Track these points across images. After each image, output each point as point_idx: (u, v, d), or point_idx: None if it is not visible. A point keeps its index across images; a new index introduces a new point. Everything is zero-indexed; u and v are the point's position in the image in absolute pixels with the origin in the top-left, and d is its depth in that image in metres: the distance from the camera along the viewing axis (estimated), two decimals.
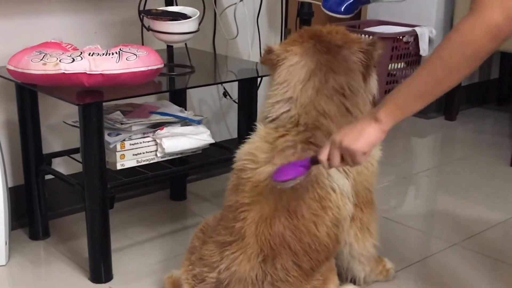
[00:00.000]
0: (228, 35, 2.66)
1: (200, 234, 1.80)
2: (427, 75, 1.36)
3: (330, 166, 1.50)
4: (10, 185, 2.13)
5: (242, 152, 1.71)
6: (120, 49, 1.89)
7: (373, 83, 1.78)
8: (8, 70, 1.91)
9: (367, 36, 3.33)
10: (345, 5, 2.19)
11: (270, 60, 1.74)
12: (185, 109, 2.31)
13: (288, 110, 1.68)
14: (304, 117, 1.67)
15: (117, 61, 1.84)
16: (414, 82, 1.38)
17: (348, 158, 1.46)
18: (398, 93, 1.41)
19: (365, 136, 1.42)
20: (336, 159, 1.47)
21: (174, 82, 2.20)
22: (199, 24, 2.14)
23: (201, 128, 2.18)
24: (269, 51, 1.74)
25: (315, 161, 1.53)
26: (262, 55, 1.79)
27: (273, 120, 1.71)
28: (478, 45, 1.27)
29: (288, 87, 1.69)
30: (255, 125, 1.75)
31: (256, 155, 1.67)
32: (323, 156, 1.49)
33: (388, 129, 1.43)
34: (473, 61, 1.30)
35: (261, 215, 1.62)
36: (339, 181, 1.68)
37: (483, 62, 1.33)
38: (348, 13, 2.19)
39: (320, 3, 2.24)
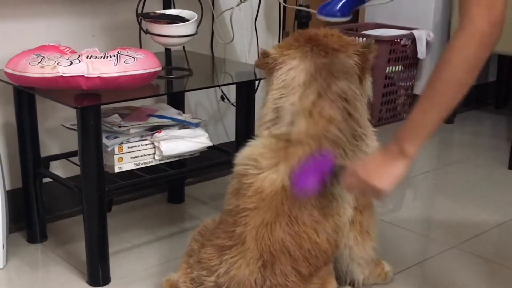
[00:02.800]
0: (226, 38, 2.66)
1: (199, 236, 1.80)
2: (440, 100, 1.41)
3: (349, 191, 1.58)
4: (8, 188, 2.13)
5: (244, 156, 1.69)
6: (118, 52, 1.89)
7: (368, 86, 1.78)
8: (6, 73, 1.90)
9: (363, 39, 3.34)
10: (340, 8, 2.19)
11: (266, 64, 1.72)
12: (183, 112, 2.31)
13: (293, 120, 1.66)
14: (310, 125, 1.64)
15: (115, 64, 1.84)
16: (428, 110, 1.42)
17: (369, 193, 1.48)
18: (417, 125, 1.43)
19: (391, 173, 1.43)
20: (355, 189, 1.52)
21: (172, 85, 2.20)
22: (197, 27, 2.14)
23: (199, 131, 2.18)
24: (265, 54, 1.73)
25: (334, 172, 1.54)
26: (258, 58, 1.78)
27: (275, 125, 1.69)
28: (476, 56, 1.33)
29: (290, 92, 1.68)
30: (254, 129, 1.74)
31: (259, 161, 1.65)
32: (345, 181, 1.51)
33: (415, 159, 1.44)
34: (475, 71, 1.36)
35: (262, 221, 1.61)
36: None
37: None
38: (345, 16, 2.19)
39: (315, 12, 2.25)
